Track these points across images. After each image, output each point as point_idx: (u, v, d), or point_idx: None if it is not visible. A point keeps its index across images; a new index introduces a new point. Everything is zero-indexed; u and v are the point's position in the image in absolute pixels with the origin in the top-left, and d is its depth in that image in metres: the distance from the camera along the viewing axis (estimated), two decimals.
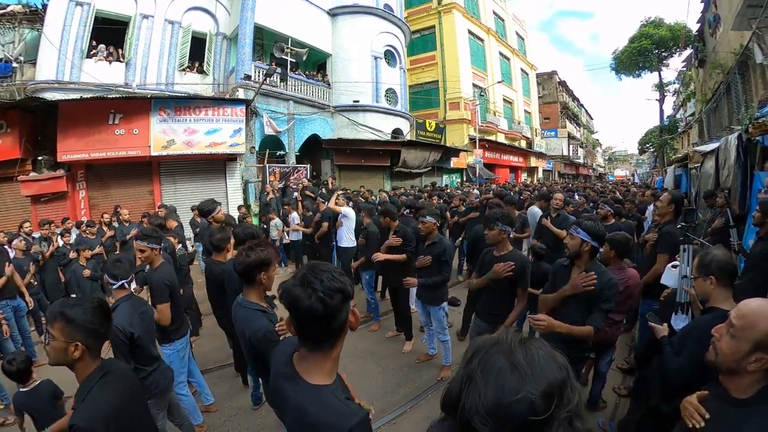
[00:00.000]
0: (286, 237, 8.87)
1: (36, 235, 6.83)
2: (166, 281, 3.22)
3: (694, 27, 17.42)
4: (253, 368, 2.45)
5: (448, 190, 14.01)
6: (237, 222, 7.99)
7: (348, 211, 6.82)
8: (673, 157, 20.73)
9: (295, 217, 8.78)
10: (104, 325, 1.70)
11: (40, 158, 9.62)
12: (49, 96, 9.70)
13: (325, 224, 7.34)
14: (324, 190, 11.51)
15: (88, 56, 11.10)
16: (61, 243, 6.99)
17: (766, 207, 3.93)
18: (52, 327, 1.61)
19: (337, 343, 1.26)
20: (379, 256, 4.78)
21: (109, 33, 11.59)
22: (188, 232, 7.89)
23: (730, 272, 2.04)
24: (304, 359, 1.26)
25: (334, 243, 7.25)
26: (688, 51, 19.44)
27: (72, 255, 6.46)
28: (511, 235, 3.45)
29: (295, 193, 10.78)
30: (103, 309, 1.72)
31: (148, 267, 3.45)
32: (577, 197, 9.22)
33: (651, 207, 7.66)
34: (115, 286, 2.72)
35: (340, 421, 1.14)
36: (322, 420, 1.16)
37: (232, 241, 3.86)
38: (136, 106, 10.04)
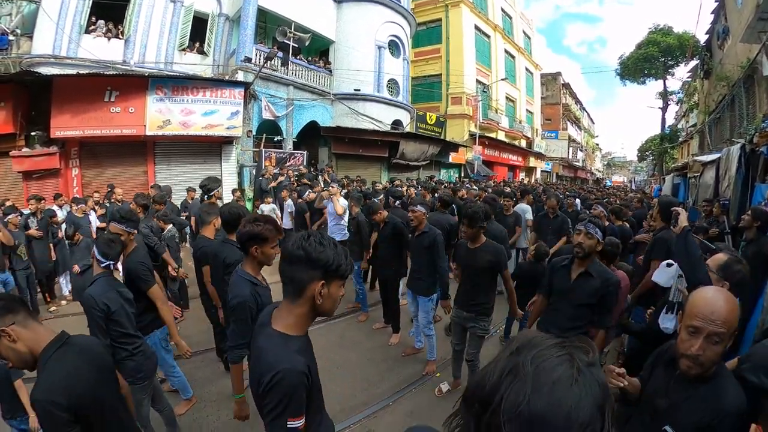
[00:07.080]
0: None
1: (26, 211, 6.71)
2: (143, 264, 3.17)
3: (702, 38, 17.32)
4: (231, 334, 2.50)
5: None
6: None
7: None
8: (672, 165, 20.74)
9: (290, 204, 8.70)
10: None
11: (33, 134, 9.41)
12: (45, 71, 9.50)
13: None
14: (321, 179, 11.44)
15: (87, 32, 10.92)
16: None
17: (759, 213, 4.14)
18: None
19: (301, 302, 1.39)
20: None
21: (109, 9, 11.39)
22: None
23: (744, 287, 2.08)
24: (278, 311, 1.45)
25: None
26: (695, 61, 19.35)
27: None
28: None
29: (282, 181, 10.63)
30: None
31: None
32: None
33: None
34: (102, 264, 2.70)
35: (276, 362, 1.31)
36: (267, 359, 1.34)
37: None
38: (133, 84, 9.87)
